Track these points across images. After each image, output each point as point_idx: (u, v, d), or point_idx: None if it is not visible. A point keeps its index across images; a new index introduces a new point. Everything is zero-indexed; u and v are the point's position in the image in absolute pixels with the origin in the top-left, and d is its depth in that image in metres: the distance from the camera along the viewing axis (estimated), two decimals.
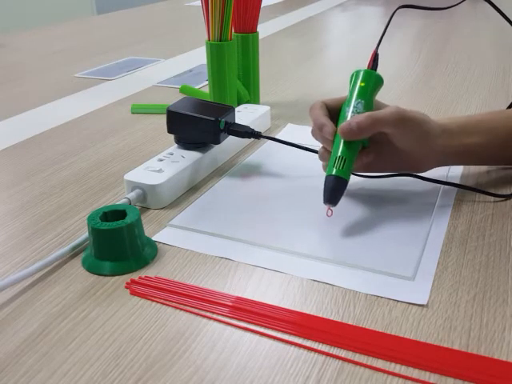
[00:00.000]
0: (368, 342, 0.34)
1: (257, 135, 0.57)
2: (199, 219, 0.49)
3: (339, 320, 0.36)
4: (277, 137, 0.60)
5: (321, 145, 0.48)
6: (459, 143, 0.48)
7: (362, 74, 0.49)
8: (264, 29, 1.37)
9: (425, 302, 0.37)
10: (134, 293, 0.39)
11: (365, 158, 0.47)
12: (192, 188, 0.55)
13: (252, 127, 0.58)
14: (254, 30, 0.75)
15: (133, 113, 0.79)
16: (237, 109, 0.68)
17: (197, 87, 0.91)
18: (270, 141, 0.63)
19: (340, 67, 1.02)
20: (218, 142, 0.57)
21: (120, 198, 0.53)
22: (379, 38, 0.50)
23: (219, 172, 0.59)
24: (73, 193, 0.55)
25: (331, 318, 0.36)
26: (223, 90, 0.70)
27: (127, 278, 0.41)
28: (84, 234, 0.45)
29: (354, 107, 0.46)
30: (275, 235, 0.45)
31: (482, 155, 0.50)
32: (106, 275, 0.41)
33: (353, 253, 0.42)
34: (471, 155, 0.49)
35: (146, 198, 0.51)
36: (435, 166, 0.50)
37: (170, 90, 0.91)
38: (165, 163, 0.54)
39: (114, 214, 0.43)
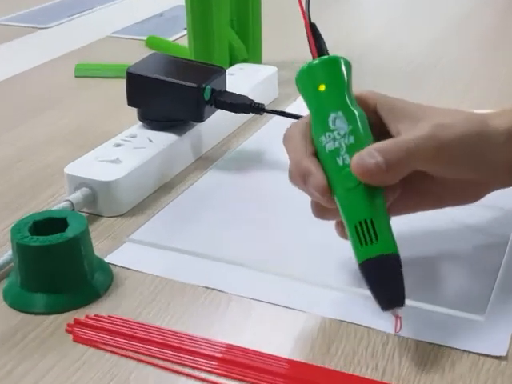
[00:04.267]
0: None
1: (258, 109, 0.57)
2: (174, 232, 0.49)
3: (378, 379, 0.35)
4: (287, 111, 0.60)
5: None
6: None
7: (309, 72, 0.42)
8: None
9: (503, 353, 0.37)
10: (78, 339, 0.39)
11: (391, 193, 0.41)
12: (164, 186, 0.55)
13: (251, 97, 0.58)
14: None
15: (77, 76, 0.79)
16: (229, 70, 0.68)
17: (170, 39, 0.91)
18: (276, 117, 0.63)
19: (380, 10, 1.03)
20: (200, 118, 0.57)
21: (59, 200, 0.53)
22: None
23: (203, 163, 0.59)
24: None
25: (367, 377, 0.36)
26: (209, 44, 0.70)
27: (69, 317, 0.41)
28: (6, 253, 0.45)
29: (333, 131, 0.40)
30: (282, 255, 0.45)
31: None
32: (38, 313, 0.41)
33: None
34: None
35: (97, 200, 0.51)
36: (498, 189, 0.46)
37: (131, 44, 0.91)
38: (124, 150, 0.54)
39: (50, 224, 0.43)
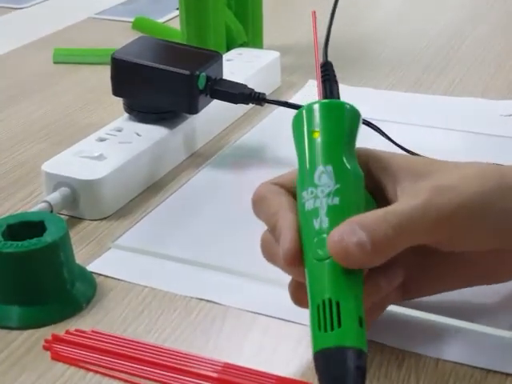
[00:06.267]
0: None
1: (258, 99, 0.58)
2: (164, 237, 0.49)
3: None
4: (291, 101, 0.60)
5: None
6: None
7: (308, 115, 0.39)
8: None
9: None
10: (57, 357, 0.39)
11: (385, 281, 0.37)
12: (152, 186, 0.56)
13: (251, 86, 0.58)
14: None
15: (55, 62, 0.80)
16: (226, 56, 0.68)
17: (160, 20, 0.91)
18: (279, 108, 0.63)
19: None
20: (194, 110, 0.57)
21: (35, 201, 0.53)
22: (326, 36, 0.42)
23: (197, 159, 0.59)
24: None
25: None
26: (204, 26, 0.70)
27: (47, 332, 0.41)
28: None
29: (317, 187, 0.37)
30: None
31: None
32: (12, 328, 0.41)
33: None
34: None
35: (78, 201, 0.51)
36: None
37: (116, 26, 0.91)
38: (109, 145, 0.54)
39: (26, 227, 0.43)
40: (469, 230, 0.37)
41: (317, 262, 0.34)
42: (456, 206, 0.36)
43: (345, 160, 0.37)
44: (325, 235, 0.35)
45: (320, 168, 0.37)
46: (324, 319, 0.33)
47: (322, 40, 0.42)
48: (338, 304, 0.33)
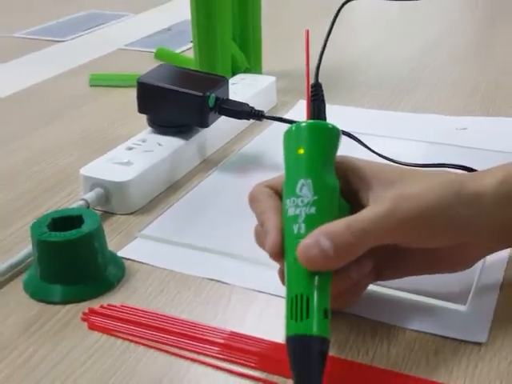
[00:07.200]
0: None
1: (258, 115, 0.57)
2: (181, 228, 0.49)
3: (369, 363, 0.36)
4: (285, 117, 0.60)
5: None
6: None
7: (295, 133, 0.39)
8: None
9: (483, 340, 0.37)
10: (93, 326, 0.39)
11: (356, 270, 0.36)
12: (171, 186, 0.55)
13: (252, 104, 0.58)
14: None
15: (91, 85, 0.79)
16: (231, 80, 0.68)
17: (177, 51, 0.91)
18: (275, 123, 0.63)
19: (373, 25, 1.03)
20: (205, 124, 0.57)
21: (75, 199, 0.53)
22: (318, 61, 0.41)
23: (208, 165, 0.59)
24: (10, 193, 0.55)
25: (358, 360, 0.36)
26: (213, 55, 0.70)
27: (84, 306, 0.41)
28: (26, 247, 0.45)
29: (298, 197, 0.36)
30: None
31: None
32: (56, 303, 0.41)
33: None
34: None
35: (110, 199, 0.51)
36: (489, 253, 0.40)
37: (141, 55, 0.91)
38: (135, 153, 0.54)
39: (67, 221, 0.43)
40: (429, 232, 0.36)
41: (294, 261, 0.35)
42: (416, 213, 0.35)
43: (323, 174, 0.37)
44: (301, 240, 0.34)
45: (301, 181, 0.36)
46: (295, 310, 0.33)
47: (313, 64, 0.42)
48: (307, 299, 0.33)
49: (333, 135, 0.39)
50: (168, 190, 0.55)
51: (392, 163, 0.52)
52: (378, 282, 0.40)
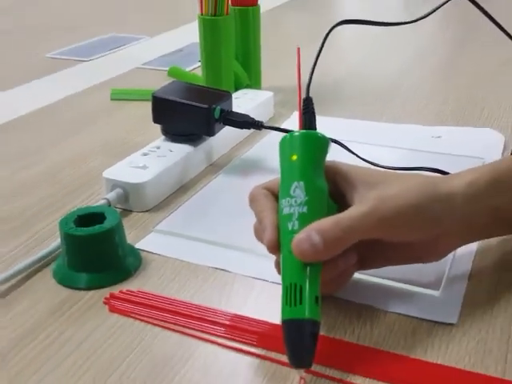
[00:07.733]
0: (388, 368, 0.34)
1: (258, 125, 0.58)
2: (190, 224, 0.49)
3: (354, 341, 0.36)
4: (282, 127, 0.60)
5: None
6: (491, 206, 0.38)
7: (289, 141, 0.39)
8: (266, 1, 1.37)
9: (454, 321, 0.37)
10: (113, 309, 0.39)
11: (342, 261, 0.36)
12: (182, 187, 0.55)
13: (252, 116, 0.58)
14: (254, 3, 0.75)
15: (112, 99, 0.80)
16: (234, 95, 0.68)
17: (188, 69, 0.91)
18: (273, 132, 0.63)
19: (359, 45, 1.03)
20: (212, 133, 0.57)
21: (97, 198, 0.53)
22: (309, 76, 0.41)
23: (214, 168, 0.59)
24: (41, 193, 0.55)
25: (345, 339, 0.36)
26: (218, 73, 0.71)
27: (106, 292, 0.41)
28: (55, 241, 0.45)
29: (292, 197, 0.36)
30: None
31: None
32: (81, 289, 0.41)
33: None
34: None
35: (128, 198, 0.51)
36: (459, 246, 0.40)
37: (156, 73, 0.91)
38: (150, 158, 0.54)
39: (91, 217, 0.43)
40: (407, 227, 0.36)
41: (288, 254, 0.35)
42: (395, 212, 0.35)
43: (314, 178, 0.37)
44: (295, 235, 0.35)
45: (295, 183, 0.37)
46: (290, 297, 0.33)
47: (305, 80, 0.42)
48: (301, 287, 0.33)
49: (322, 143, 0.39)
50: (179, 190, 0.55)
51: (375, 167, 0.52)
52: (362, 271, 0.41)
